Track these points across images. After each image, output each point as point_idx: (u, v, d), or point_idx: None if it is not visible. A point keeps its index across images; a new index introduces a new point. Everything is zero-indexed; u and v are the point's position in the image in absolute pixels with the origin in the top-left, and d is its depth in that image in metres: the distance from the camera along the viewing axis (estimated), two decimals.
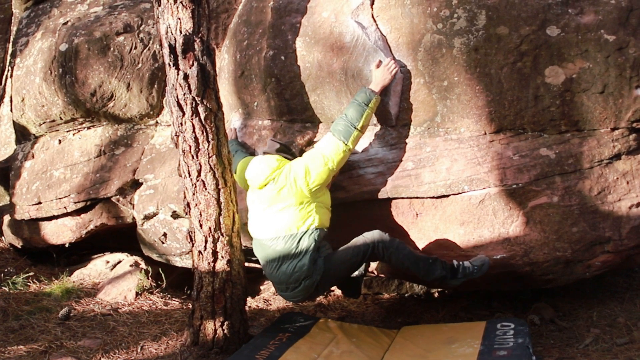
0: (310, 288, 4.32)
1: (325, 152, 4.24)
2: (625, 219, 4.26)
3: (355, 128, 4.22)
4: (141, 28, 5.65)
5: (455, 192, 4.34)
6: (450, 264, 4.37)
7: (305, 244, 4.24)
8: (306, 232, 4.25)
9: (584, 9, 4.11)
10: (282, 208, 4.26)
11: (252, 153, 4.83)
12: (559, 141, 4.22)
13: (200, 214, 4.30)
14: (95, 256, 6.53)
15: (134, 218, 5.77)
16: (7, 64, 7.13)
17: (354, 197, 4.58)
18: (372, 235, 4.30)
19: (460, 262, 4.37)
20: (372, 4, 4.42)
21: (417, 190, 4.37)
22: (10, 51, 6.88)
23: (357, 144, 4.35)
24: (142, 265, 6.02)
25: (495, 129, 4.26)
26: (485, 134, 4.28)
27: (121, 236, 6.39)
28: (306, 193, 4.22)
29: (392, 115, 4.38)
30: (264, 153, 4.49)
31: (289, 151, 4.52)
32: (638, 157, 4.24)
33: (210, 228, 4.30)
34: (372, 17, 4.42)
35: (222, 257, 4.33)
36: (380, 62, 4.31)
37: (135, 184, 5.69)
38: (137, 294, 5.58)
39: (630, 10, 4.08)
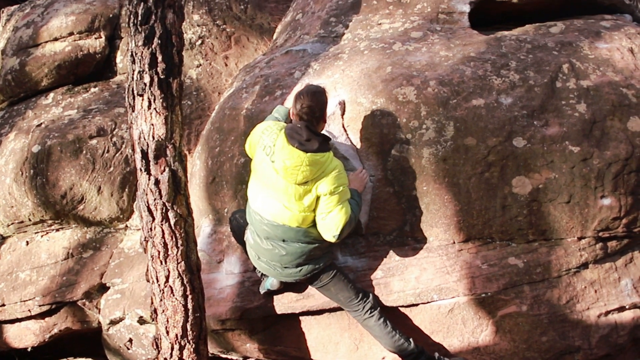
0: (314, 270, 4.15)
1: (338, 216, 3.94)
2: (595, 328, 4.27)
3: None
4: (114, 132, 5.71)
5: (424, 301, 4.32)
6: (432, 355, 4.30)
7: (314, 234, 4.04)
8: (313, 226, 4.03)
9: (548, 121, 4.25)
10: (292, 203, 3.97)
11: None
12: (527, 250, 4.26)
13: (167, 321, 4.23)
14: None
15: (99, 322, 5.64)
16: None
17: (323, 305, 4.49)
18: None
19: (442, 357, 4.29)
20: (342, 114, 4.53)
21: (387, 299, 4.34)
22: None
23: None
24: None
25: (463, 238, 4.30)
26: (454, 243, 4.31)
27: (86, 341, 6.24)
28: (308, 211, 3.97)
29: (362, 223, 4.40)
30: (314, 139, 3.90)
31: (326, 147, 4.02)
32: (605, 266, 4.30)
33: (177, 335, 4.22)
34: (343, 126, 4.52)
35: None
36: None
37: (103, 288, 5.61)
38: None
39: (594, 122, 4.23)
